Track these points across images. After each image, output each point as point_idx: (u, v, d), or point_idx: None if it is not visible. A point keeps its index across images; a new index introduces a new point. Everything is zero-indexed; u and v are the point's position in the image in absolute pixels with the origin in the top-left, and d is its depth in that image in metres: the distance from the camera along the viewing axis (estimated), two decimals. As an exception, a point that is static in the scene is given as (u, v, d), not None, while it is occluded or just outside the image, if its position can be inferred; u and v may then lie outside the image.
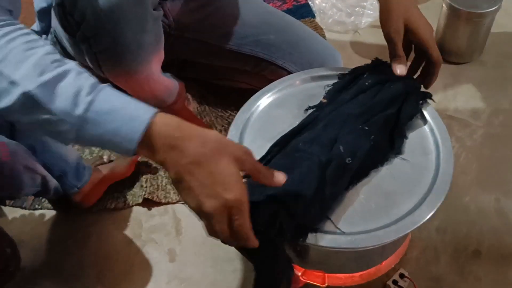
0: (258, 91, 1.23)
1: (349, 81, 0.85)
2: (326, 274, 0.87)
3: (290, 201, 0.63)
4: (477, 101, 1.29)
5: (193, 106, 1.32)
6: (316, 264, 0.85)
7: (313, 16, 1.54)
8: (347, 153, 0.69)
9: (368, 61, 0.91)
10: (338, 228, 0.67)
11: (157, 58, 0.98)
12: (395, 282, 0.92)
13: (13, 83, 0.53)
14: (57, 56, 0.57)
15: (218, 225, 0.56)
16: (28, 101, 0.53)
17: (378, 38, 1.50)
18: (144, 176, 1.18)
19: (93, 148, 1.27)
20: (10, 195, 0.94)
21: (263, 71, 1.17)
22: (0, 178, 0.84)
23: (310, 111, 0.83)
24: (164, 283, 1.02)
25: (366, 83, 0.80)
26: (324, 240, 0.66)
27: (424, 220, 0.67)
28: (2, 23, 0.56)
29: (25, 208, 1.17)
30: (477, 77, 1.36)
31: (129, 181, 1.18)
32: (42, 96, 0.53)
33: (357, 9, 1.48)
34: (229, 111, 1.32)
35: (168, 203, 1.16)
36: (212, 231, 0.58)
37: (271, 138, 0.78)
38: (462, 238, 1.03)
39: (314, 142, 0.70)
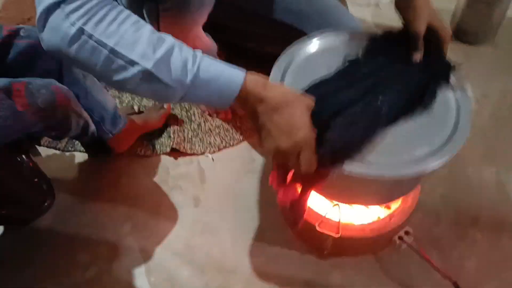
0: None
1: (384, 44, 0.92)
2: (340, 225, 0.96)
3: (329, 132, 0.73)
4: (487, 81, 1.37)
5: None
6: (335, 195, 0.94)
7: (338, -12, 1.59)
8: (384, 104, 0.78)
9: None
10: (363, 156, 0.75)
11: (205, 18, 1.05)
12: (400, 238, 1.02)
13: (131, 62, 0.63)
14: (158, 33, 0.66)
15: (292, 157, 0.69)
16: (146, 76, 0.64)
17: (398, 13, 1.55)
18: (172, 127, 1.27)
19: (123, 98, 1.35)
20: (58, 136, 1.02)
21: (292, 39, 1.22)
22: (53, 120, 0.92)
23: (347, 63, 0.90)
24: (188, 224, 1.12)
25: (403, 55, 0.88)
26: (353, 167, 0.74)
27: (441, 161, 0.75)
28: (106, 8, 0.64)
29: (59, 149, 1.26)
30: (489, 59, 1.43)
31: (158, 131, 1.26)
32: (158, 71, 0.64)
33: (381, -16, 1.53)
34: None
35: (193, 154, 1.25)
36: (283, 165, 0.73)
37: (310, 81, 0.84)
38: (463, 205, 1.13)
39: (357, 94, 0.79)
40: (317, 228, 0.97)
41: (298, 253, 1.06)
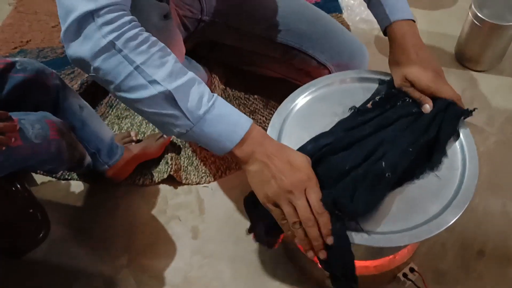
0: (283, 79, 1.28)
1: (393, 95, 0.89)
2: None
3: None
4: (492, 108, 1.34)
5: (217, 92, 1.36)
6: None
7: (340, 12, 1.58)
8: (387, 168, 0.74)
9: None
10: (360, 226, 0.73)
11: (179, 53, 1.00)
12: (405, 275, 0.99)
13: (153, 82, 0.65)
14: (180, 64, 0.69)
15: (299, 201, 0.69)
16: (164, 98, 0.66)
17: (402, 39, 1.52)
18: (169, 154, 1.24)
19: (122, 125, 1.33)
20: (52, 169, 1.00)
21: (292, 60, 1.21)
22: (47, 154, 0.90)
23: (351, 112, 0.88)
24: (187, 257, 1.09)
25: (414, 110, 0.85)
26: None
27: (437, 232, 0.73)
28: (138, 29, 0.67)
29: (55, 177, 1.23)
30: (493, 85, 1.40)
31: (157, 159, 1.24)
32: (177, 95, 0.66)
33: (384, 8, 1.51)
34: (252, 99, 1.37)
35: (188, 184, 1.22)
36: (288, 215, 0.70)
37: (310, 131, 0.84)
38: (468, 237, 1.10)
39: (359, 157, 0.77)
40: (319, 265, 0.94)
41: (300, 288, 1.03)
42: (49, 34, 1.58)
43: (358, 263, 0.94)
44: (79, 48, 0.65)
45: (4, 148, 0.79)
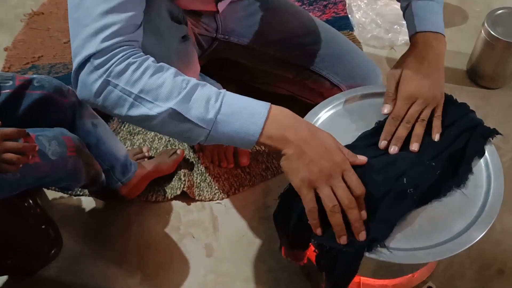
0: (296, 98, 1.28)
1: None
2: (361, 281, 0.92)
3: None
4: (507, 125, 1.34)
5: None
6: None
7: (352, 29, 1.58)
8: (409, 185, 0.73)
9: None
10: (383, 243, 0.71)
11: (190, 74, 1.00)
12: (423, 294, 0.97)
13: (155, 106, 0.66)
14: (182, 75, 0.70)
15: (340, 183, 0.68)
16: (172, 116, 0.66)
17: (414, 56, 1.52)
18: (182, 170, 1.23)
19: (135, 141, 1.32)
20: (68, 186, 0.99)
21: (305, 80, 1.21)
22: (63, 171, 0.89)
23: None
24: (201, 276, 1.08)
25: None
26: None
27: (461, 250, 0.72)
28: (130, 59, 0.67)
29: (66, 194, 1.22)
30: (507, 102, 1.40)
31: (169, 175, 1.23)
32: (182, 109, 0.66)
33: (395, 26, 1.51)
34: (265, 116, 1.36)
35: (201, 200, 1.21)
36: (328, 198, 0.68)
37: None
38: (487, 256, 1.08)
39: (380, 173, 0.75)
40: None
41: (316, 308, 1.01)
42: (61, 50, 1.58)
43: (376, 282, 0.94)
44: (83, 93, 0.69)
45: (21, 165, 0.78)
